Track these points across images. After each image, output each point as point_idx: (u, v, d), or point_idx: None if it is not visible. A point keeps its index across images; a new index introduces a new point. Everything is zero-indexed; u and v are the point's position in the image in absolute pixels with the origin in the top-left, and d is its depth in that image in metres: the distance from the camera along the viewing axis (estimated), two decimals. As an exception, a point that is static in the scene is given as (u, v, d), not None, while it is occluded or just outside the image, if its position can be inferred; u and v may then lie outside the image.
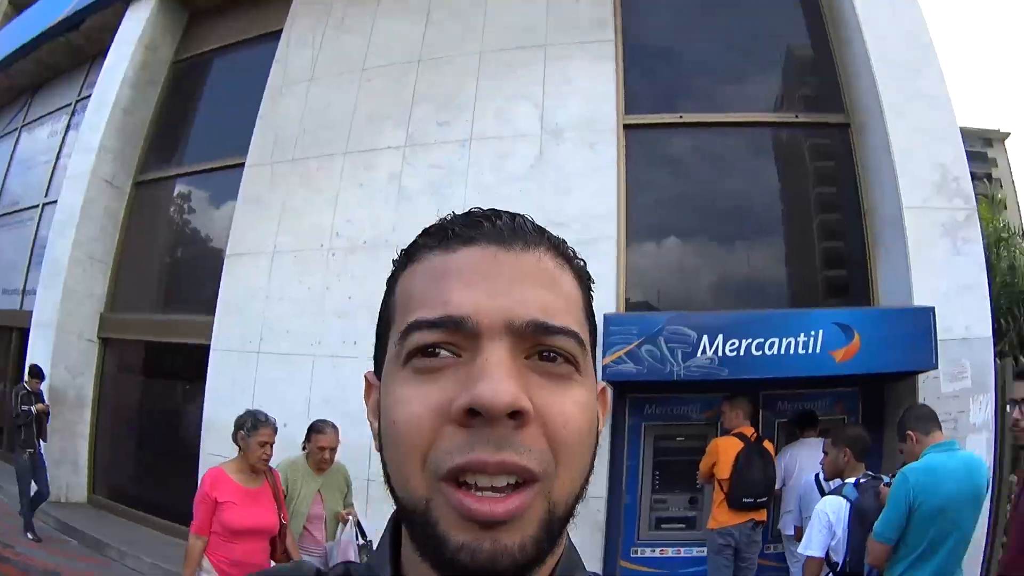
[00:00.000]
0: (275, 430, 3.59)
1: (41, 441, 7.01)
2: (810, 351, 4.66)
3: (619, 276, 5.34)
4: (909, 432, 3.02)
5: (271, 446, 3.55)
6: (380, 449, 0.50)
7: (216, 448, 6.23)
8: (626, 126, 5.73)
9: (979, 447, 4.96)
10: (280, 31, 7.37)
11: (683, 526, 5.21)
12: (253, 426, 3.50)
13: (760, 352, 4.88)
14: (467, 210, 0.52)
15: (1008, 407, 2.69)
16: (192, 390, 7.23)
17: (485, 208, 0.52)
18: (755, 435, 4.87)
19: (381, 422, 0.50)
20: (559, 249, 0.53)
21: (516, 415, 0.44)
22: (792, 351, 4.83)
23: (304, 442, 4.13)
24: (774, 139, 6.03)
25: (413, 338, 0.47)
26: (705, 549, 4.81)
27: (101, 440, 8.11)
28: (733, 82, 6.02)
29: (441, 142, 6.12)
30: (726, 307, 5.41)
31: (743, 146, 5.97)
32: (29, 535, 6.65)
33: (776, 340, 4.84)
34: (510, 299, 0.47)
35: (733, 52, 6.17)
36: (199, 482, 3.47)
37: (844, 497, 3.19)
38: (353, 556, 3.98)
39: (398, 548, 0.53)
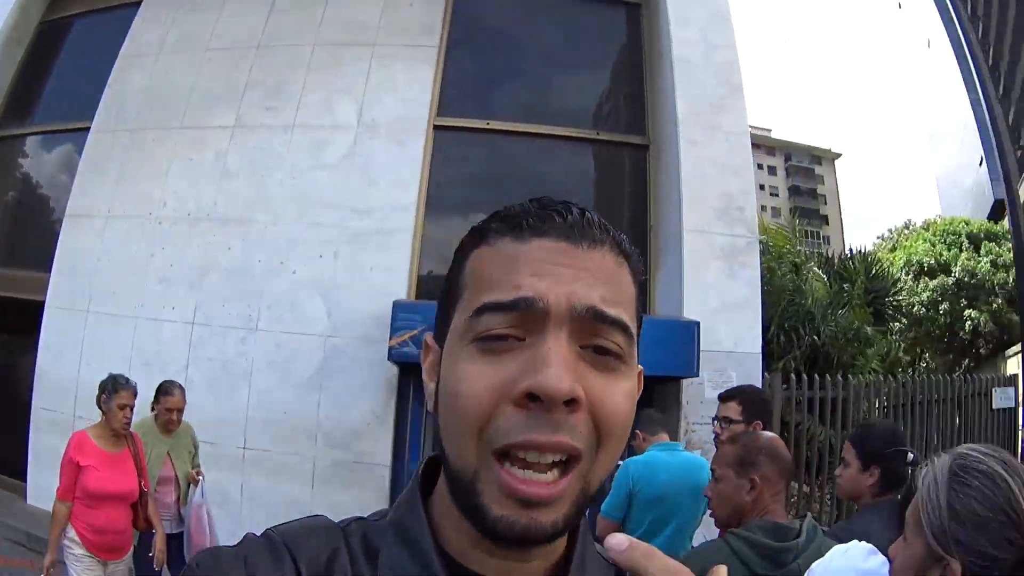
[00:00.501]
0: (135, 393, 3.60)
1: None
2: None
3: (412, 266, 5.89)
4: (637, 431, 3.49)
5: (131, 409, 3.56)
6: (434, 409, 0.54)
7: (46, 403, 6.51)
8: (436, 127, 6.25)
9: None
10: (141, 2, 7.55)
11: (457, 493, 5.77)
12: (113, 389, 3.52)
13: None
14: (539, 198, 0.56)
15: (712, 422, 2.97)
16: (26, 345, 7.40)
17: (557, 200, 0.55)
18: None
19: (440, 388, 0.53)
20: (620, 247, 0.56)
21: (571, 402, 0.48)
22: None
23: (152, 403, 4.15)
24: (575, 153, 6.64)
25: (484, 319, 0.51)
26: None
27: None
28: (544, 96, 6.63)
29: (267, 126, 6.51)
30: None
31: (544, 156, 6.58)
32: None
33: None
34: (573, 289, 0.50)
35: (550, 69, 6.76)
36: (67, 446, 3.47)
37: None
38: (205, 516, 4.06)
39: (425, 498, 0.58)
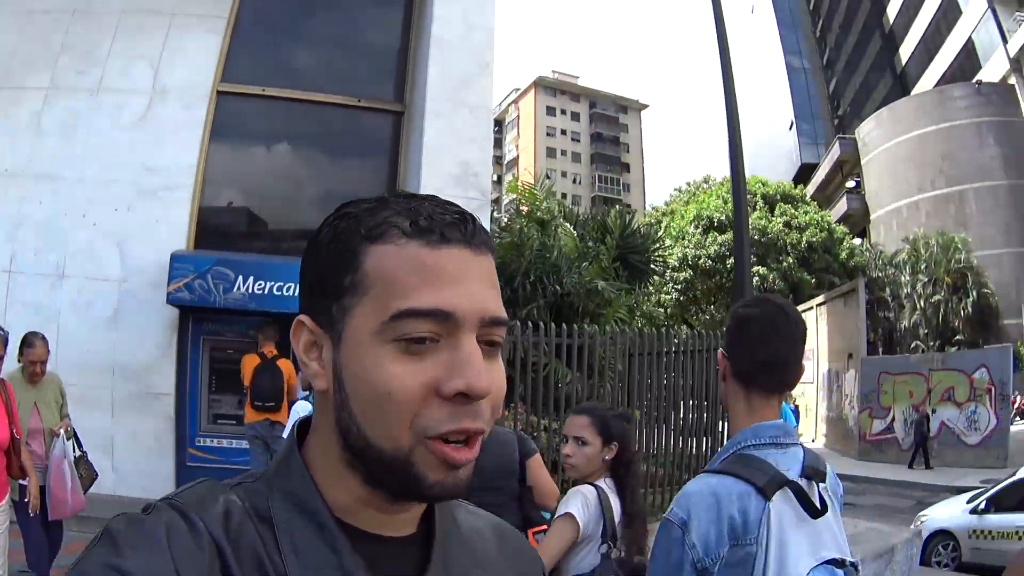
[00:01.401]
0: (5, 342, 3.60)
1: None
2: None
3: (191, 219, 6.73)
4: None
5: (1, 358, 3.58)
6: (337, 399, 0.60)
7: None
8: (219, 92, 6.94)
9: None
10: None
11: (235, 422, 6.73)
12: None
13: (280, 292, 6.34)
14: (429, 198, 0.62)
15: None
16: None
17: (446, 203, 0.62)
18: (272, 354, 6.32)
19: (356, 380, 0.58)
20: (492, 247, 0.64)
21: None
22: (302, 290, 6.33)
23: (18, 355, 4.20)
24: (341, 117, 7.40)
25: (404, 324, 0.57)
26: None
27: None
28: (316, 66, 7.36)
29: (77, 89, 7.18)
30: (276, 254, 6.83)
31: (313, 120, 7.36)
32: None
33: (292, 284, 6.31)
34: (480, 298, 0.59)
35: (325, 41, 7.46)
36: None
37: None
38: (67, 471, 4.21)
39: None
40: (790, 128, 45.43)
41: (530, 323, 7.44)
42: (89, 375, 6.72)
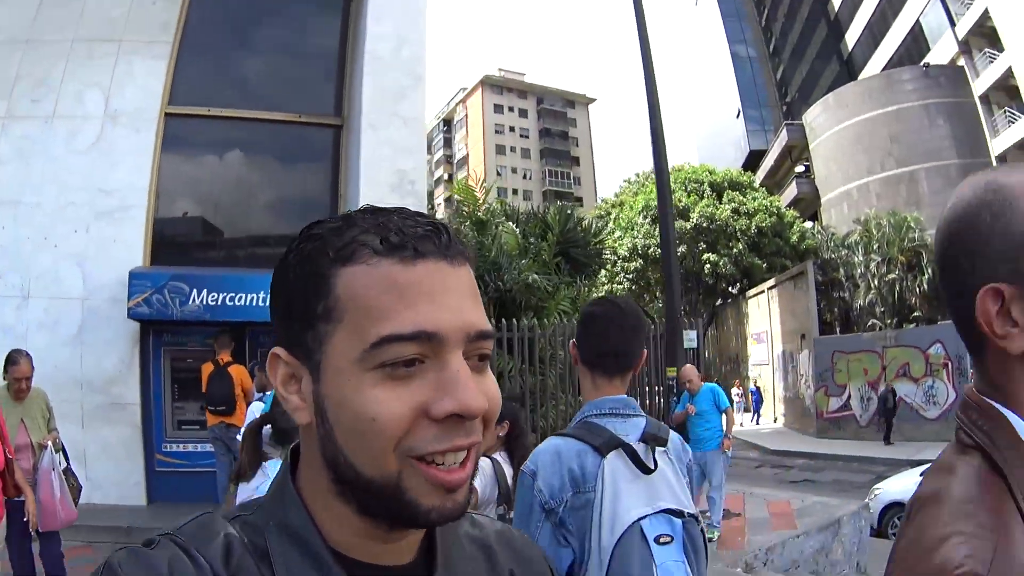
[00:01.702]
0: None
1: None
2: (253, 305, 6.63)
3: (146, 237, 7.16)
4: None
5: None
6: (321, 432, 0.58)
7: None
8: (167, 115, 7.37)
9: None
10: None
11: (198, 427, 7.16)
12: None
13: (233, 303, 6.76)
14: (398, 210, 0.60)
15: None
16: None
17: (415, 213, 0.60)
18: (226, 360, 6.74)
19: (333, 410, 0.56)
20: (470, 257, 0.62)
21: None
22: (255, 303, 6.74)
23: (3, 373, 4.31)
24: (283, 133, 7.85)
25: (386, 350, 0.54)
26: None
27: None
28: (258, 85, 7.80)
29: (32, 117, 7.57)
30: (229, 266, 7.24)
31: (256, 137, 7.80)
32: None
33: (244, 294, 6.73)
34: (463, 313, 0.57)
35: (266, 61, 7.90)
36: None
37: None
38: (56, 482, 4.29)
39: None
40: (737, 116, 46.25)
41: None
42: (59, 389, 7.05)
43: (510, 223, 10.79)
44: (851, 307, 24.22)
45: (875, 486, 10.17)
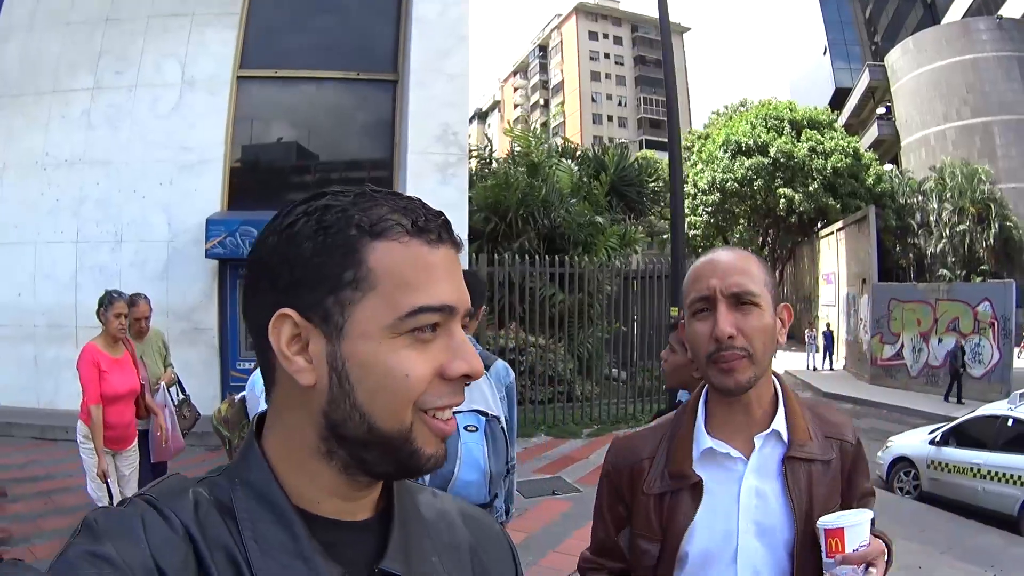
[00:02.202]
0: (128, 303, 4.19)
1: None
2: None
3: (223, 187, 8.27)
4: None
5: (125, 317, 4.11)
6: (333, 393, 0.64)
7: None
8: (239, 78, 8.43)
9: None
10: (12, -20, 9.42)
11: (267, 348, 8.27)
12: (108, 302, 4.02)
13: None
14: (410, 198, 0.68)
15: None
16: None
17: (429, 207, 0.69)
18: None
19: (359, 370, 0.63)
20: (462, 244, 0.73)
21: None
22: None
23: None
24: (345, 90, 8.93)
25: (420, 318, 0.63)
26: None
27: None
28: (319, 47, 8.87)
29: (117, 87, 8.72)
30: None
31: (320, 94, 8.91)
32: None
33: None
34: (464, 292, 0.68)
35: (327, 24, 8.92)
36: (79, 360, 3.95)
37: None
38: (168, 418, 4.62)
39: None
40: (824, 53, 45.84)
41: (527, 255, 8.79)
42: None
43: (566, 161, 11.51)
44: (925, 254, 24.50)
45: (889, 439, 10.31)
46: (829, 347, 23.21)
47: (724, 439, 1.27)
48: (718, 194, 30.39)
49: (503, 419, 2.60)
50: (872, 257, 20.86)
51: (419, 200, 0.68)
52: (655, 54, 69.47)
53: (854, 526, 1.15)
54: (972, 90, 29.79)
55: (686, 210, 32.76)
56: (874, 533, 1.21)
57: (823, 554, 1.17)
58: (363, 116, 9.21)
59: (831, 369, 22.89)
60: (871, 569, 1.15)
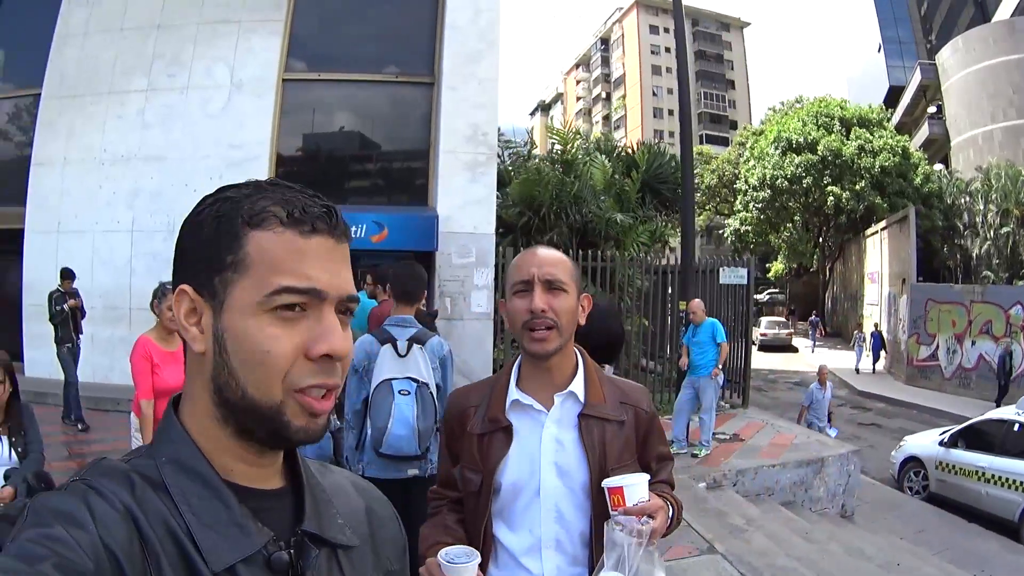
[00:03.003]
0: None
1: (79, 335, 8.12)
2: (359, 236, 8.44)
3: None
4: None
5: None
6: (217, 360, 0.73)
7: (33, 300, 9.69)
8: (284, 80, 9.27)
9: (481, 297, 8.84)
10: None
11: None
12: (162, 293, 4.01)
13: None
14: (301, 190, 0.77)
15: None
16: (12, 262, 10.39)
17: (314, 196, 0.76)
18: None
19: (232, 341, 0.72)
20: (350, 235, 0.80)
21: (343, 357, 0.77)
22: (360, 234, 8.64)
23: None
24: (383, 92, 9.86)
25: (283, 297, 0.71)
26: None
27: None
28: (360, 51, 9.72)
29: (170, 89, 9.65)
30: (339, 203, 9.06)
31: (360, 95, 9.80)
32: (74, 422, 7.73)
33: (352, 226, 8.69)
34: (341, 279, 0.75)
35: (365, 30, 9.78)
36: (132, 353, 3.98)
37: None
38: None
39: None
40: (878, 50, 46.02)
41: (558, 249, 9.45)
42: (198, 305, 9.11)
43: (601, 158, 12.15)
44: (971, 256, 24.75)
45: (903, 439, 10.58)
46: (877, 348, 23.15)
47: (530, 394, 1.59)
48: (768, 191, 30.97)
49: (433, 386, 3.29)
50: (911, 257, 21.32)
51: (305, 193, 0.77)
52: (715, 49, 70.96)
53: (632, 485, 1.40)
54: (1019, 91, 29.63)
55: (738, 206, 34.12)
56: (659, 493, 1.52)
57: (609, 508, 1.42)
58: (402, 116, 10.13)
59: (874, 371, 22.84)
60: (650, 520, 1.39)
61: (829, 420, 10.03)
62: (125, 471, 0.71)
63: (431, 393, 3.23)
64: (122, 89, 10.11)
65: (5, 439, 3.79)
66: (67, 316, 7.84)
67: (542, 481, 1.53)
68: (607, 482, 1.42)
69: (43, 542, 0.61)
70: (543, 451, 1.54)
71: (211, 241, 0.74)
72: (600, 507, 1.49)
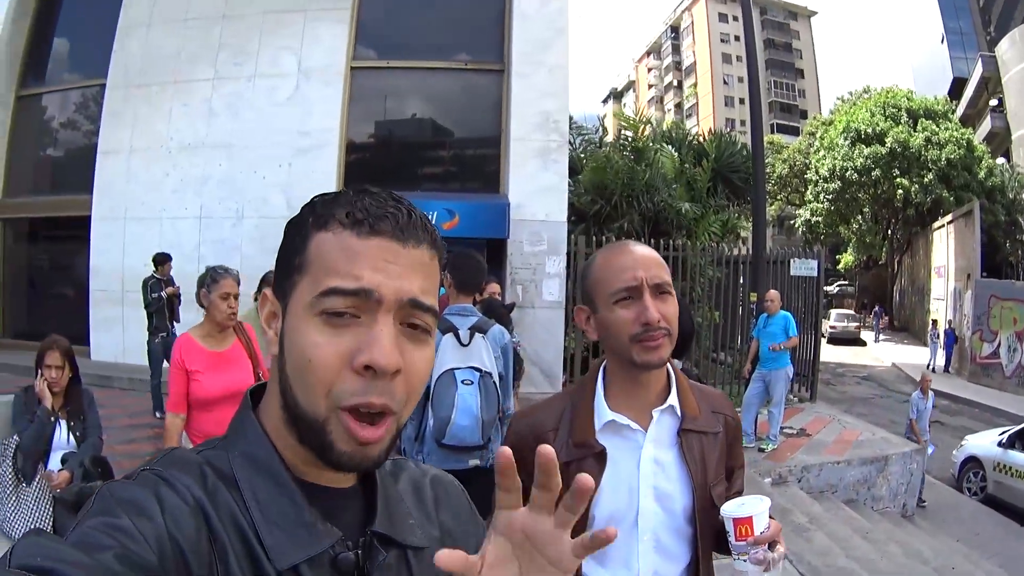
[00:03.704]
0: (238, 280, 3.54)
1: (175, 323, 7.94)
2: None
3: (339, 168, 9.39)
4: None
5: (235, 298, 3.49)
6: (280, 363, 0.74)
7: (99, 285, 10.03)
8: (352, 68, 9.57)
9: (553, 285, 9.24)
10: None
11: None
12: (213, 279, 3.45)
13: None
14: (375, 194, 0.74)
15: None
16: (79, 247, 10.75)
17: (390, 200, 0.73)
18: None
19: (288, 346, 0.72)
20: (435, 244, 0.76)
21: (395, 372, 0.70)
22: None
23: (255, 292, 4.52)
24: (452, 79, 10.31)
25: (331, 300, 0.69)
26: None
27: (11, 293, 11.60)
28: (428, 38, 10.08)
29: (237, 78, 10.01)
30: (409, 190, 9.37)
31: (429, 83, 10.22)
32: (158, 414, 7.53)
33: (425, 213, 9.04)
34: (400, 283, 0.70)
35: (434, 17, 10.03)
36: (172, 353, 3.49)
37: None
38: None
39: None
40: (942, 42, 45.82)
41: (630, 237, 9.59)
42: (265, 289, 9.40)
43: (668, 147, 12.20)
44: None
45: (965, 438, 10.52)
46: (950, 346, 22.78)
47: (623, 412, 1.44)
48: (838, 182, 30.95)
49: (496, 375, 3.27)
50: (976, 252, 21.35)
51: (383, 196, 0.75)
52: (784, 38, 71.07)
53: (760, 514, 1.31)
54: (1073, 84, 29.72)
55: (809, 196, 34.30)
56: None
57: (730, 538, 1.32)
58: (472, 104, 10.49)
59: (947, 370, 22.37)
60: (777, 547, 1.31)
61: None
62: (198, 463, 0.72)
63: (494, 383, 3.22)
64: (187, 78, 10.46)
65: (64, 423, 3.72)
66: (163, 304, 7.63)
67: (640, 509, 1.41)
68: (732, 512, 1.33)
69: (108, 531, 0.61)
70: (642, 475, 1.42)
71: (288, 245, 0.76)
72: (706, 528, 1.43)
